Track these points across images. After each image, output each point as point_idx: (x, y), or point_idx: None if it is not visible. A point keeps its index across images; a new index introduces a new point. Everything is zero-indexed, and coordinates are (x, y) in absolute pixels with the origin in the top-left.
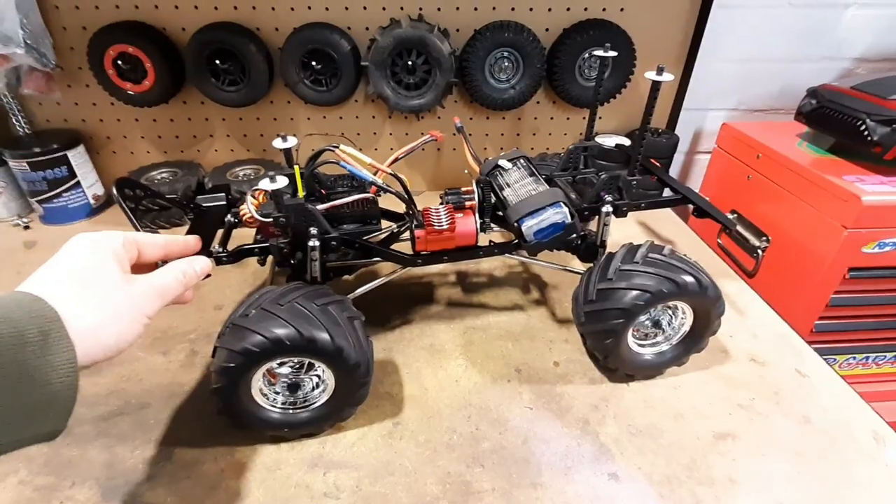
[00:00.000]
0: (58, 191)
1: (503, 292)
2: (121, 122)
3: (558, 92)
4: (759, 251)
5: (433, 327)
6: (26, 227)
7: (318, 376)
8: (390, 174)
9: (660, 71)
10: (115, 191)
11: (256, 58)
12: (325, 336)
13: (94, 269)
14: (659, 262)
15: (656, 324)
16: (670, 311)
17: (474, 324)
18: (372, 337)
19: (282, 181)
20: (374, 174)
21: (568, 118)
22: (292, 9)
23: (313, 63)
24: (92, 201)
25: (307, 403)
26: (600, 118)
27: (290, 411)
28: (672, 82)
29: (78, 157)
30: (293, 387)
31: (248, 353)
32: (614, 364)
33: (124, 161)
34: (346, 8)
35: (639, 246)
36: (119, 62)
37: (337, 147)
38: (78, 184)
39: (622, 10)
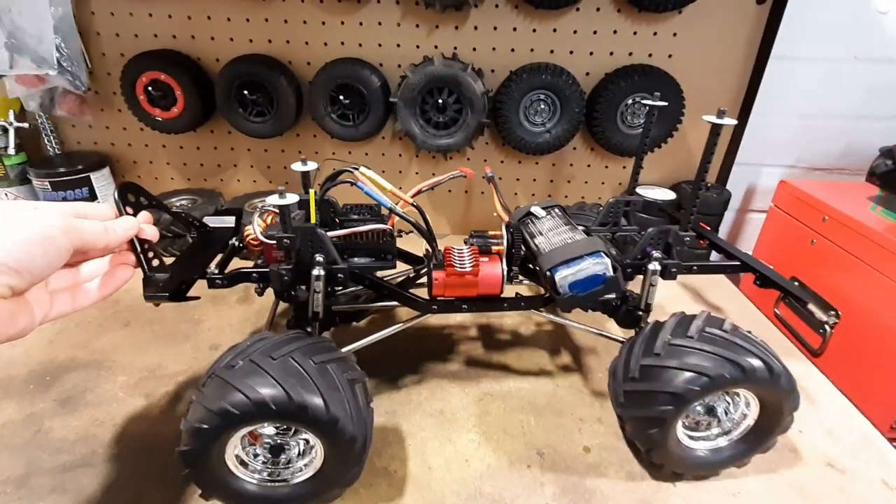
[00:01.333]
0: None
1: (528, 353)
2: (148, 148)
3: (598, 139)
4: (827, 327)
5: (446, 390)
6: None
7: (307, 441)
8: (412, 205)
9: (721, 114)
10: (116, 194)
11: (286, 90)
12: (318, 402)
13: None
14: (718, 338)
15: (710, 411)
16: (728, 398)
17: (492, 389)
18: (375, 396)
19: (291, 198)
20: (396, 204)
21: (607, 167)
22: (326, 44)
23: (341, 98)
24: None
25: (287, 478)
26: (642, 168)
27: (269, 484)
28: (724, 133)
29: (101, 180)
30: (276, 449)
31: (225, 414)
32: (659, 459)
33: (148, 186)
34: (380, 45)
35: (693, 316)
36: (150, 88)
37: (357, 168)
38: None
39: (670, 56)
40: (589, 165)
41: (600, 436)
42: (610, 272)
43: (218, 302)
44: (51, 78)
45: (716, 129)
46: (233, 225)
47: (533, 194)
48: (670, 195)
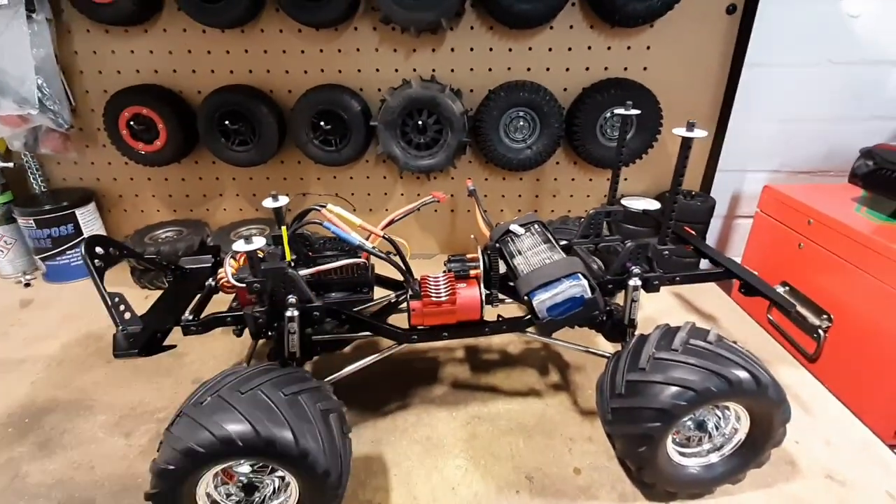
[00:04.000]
0: (61, 248)
1: (517, 373)
2: (133, 181)
3: (579, 152)
4: (821, 331)
5: (432, 415)
6: (27, 285)
7: (282, 478)
8: (384, 238)
9: (690, 127)
10: (83, 249)
11: (267, 118)
12: (287, 436)
13: None
14: (703, 350)
15: (700, 426)
16: (718, 412)
17: (480, 412)
18: (360, 424)
19: (258, 241)
20: (367, 238)
21: (591, 179)
22: (305, 72)
23: (322, 123)
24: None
25: None
26: (626, 180)
27: None
28: (705, 141)
29: (87, 215)
30: (249, 488)
31: (191, 453)
32: (651, 478)
33: (134, 219)
34: (359, 70)
35: (677, 328)
36: (132, 123)
37: (324, 206)
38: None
39: (645, 69)
40: (573, 179)
41: (591, 455)
42: (588, 294)
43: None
44: (33, 117)
45: (686, 143)
46: (210, 265)
47: (519, 210)
48: (655, 205)
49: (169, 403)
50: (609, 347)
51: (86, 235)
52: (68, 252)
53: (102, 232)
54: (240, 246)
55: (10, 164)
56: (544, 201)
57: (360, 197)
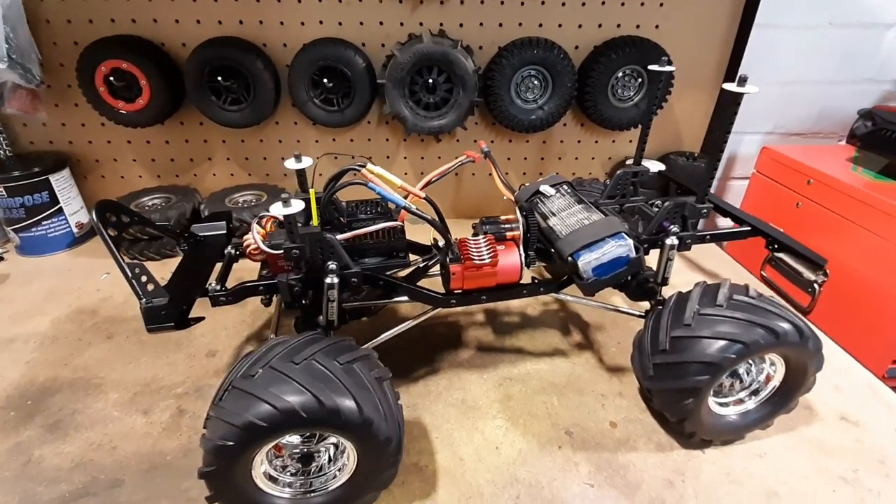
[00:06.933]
0: (37, 218)
1: (539, 335)
2: (111, 144)
3: (589, 113)
4: (817, 285)
5: (463, 378)
6: (0, 259)
7: (335, 445)
8: (423, 198)
9: (741, 81)
10: (94, 216)
11: (263, 75)
12: (351, 405)
13: None
14: (747, 305)
15: (733, 374)
16: (751, 361)
17: (511, 373)
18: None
19: (297, 205)
20: (405, 198)
21: (597, 141)
22: (302, 23)
23: (325, 81)
24: (75, 230)
25: (319, 487)
26: (630, 142)
27: (301, 496)
28: (708, 103)
29: (62, 182)
30: (306, 458)
31: (251, 428)
32: (692, 427)
33: (114, 186)
34: (361, 23)
35: (717, 285)
36: (112, 79)
37: (363, 166)
38: (60, 211)
39: (657, 27)
40: (579, 141)
41: (624, 409)
42: (633, 253)
43: (208, 305)
44: (0, 72)
45: (736, 98)
46: (224, 231)
47: (524, 173)
48: (660, 167)
49: (185, 378)
50: (632, 307)
51: (62, 204)
52: (44, 222)
53: (80, 201)
54: (277, 209)
55: None
56: (550, 164)
57: (345, 160)
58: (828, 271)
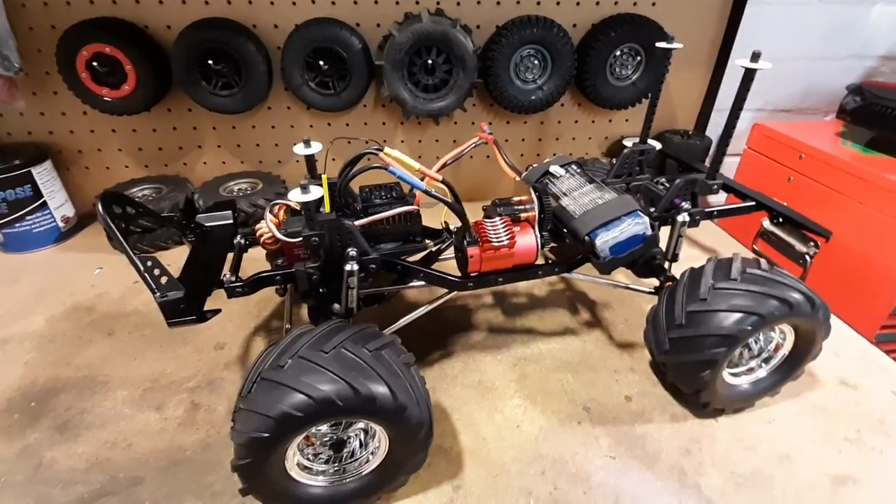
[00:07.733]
0: (20, 213)
1: (549, 314)
2: (95, 134)
3: (587, 93)
4: (808, 257)
5: (478, 360)
6: None
7: (364, 430)
8: (440, 181)
9: (755, 57)
10: (100, 208)
11: (255, 58)
12: (385, 392)
13: None
14: (760, 278)
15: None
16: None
17: (524, 353)
18: None
19: (316, 192)
20: (421, 181)
21: (593, 121)
22: (294, 3)
23: (320, 63)
24: (61, 224)
25: (353, 472)
26: (626, 121)
27: (335, 482)
28: (701, 80)
29: (44, 175)
30: (338, 445)
31: (287, 418)
32: (707, 398)
33: (99, 177)
34: (355, 2)
35: (729, 260)
36: (94, 64)
37: (380, 150)
38: (44, 205)
39: (654, 4)
40: (576, 121)
41: (637, 384)
42: (649, 230)
43: (212, 296)
44: None
45: (750, 74)
46: (231, 221)
47: (522, 154)
48: (657, 145)
49: (196, 372)
50: (640, 283)
51: (46, 197)
52: (28, 217)
53: (64, 194)
54: (296, 196)
55: None
56: (547, 144)
57: (358, 144)
58: (819, 243)
